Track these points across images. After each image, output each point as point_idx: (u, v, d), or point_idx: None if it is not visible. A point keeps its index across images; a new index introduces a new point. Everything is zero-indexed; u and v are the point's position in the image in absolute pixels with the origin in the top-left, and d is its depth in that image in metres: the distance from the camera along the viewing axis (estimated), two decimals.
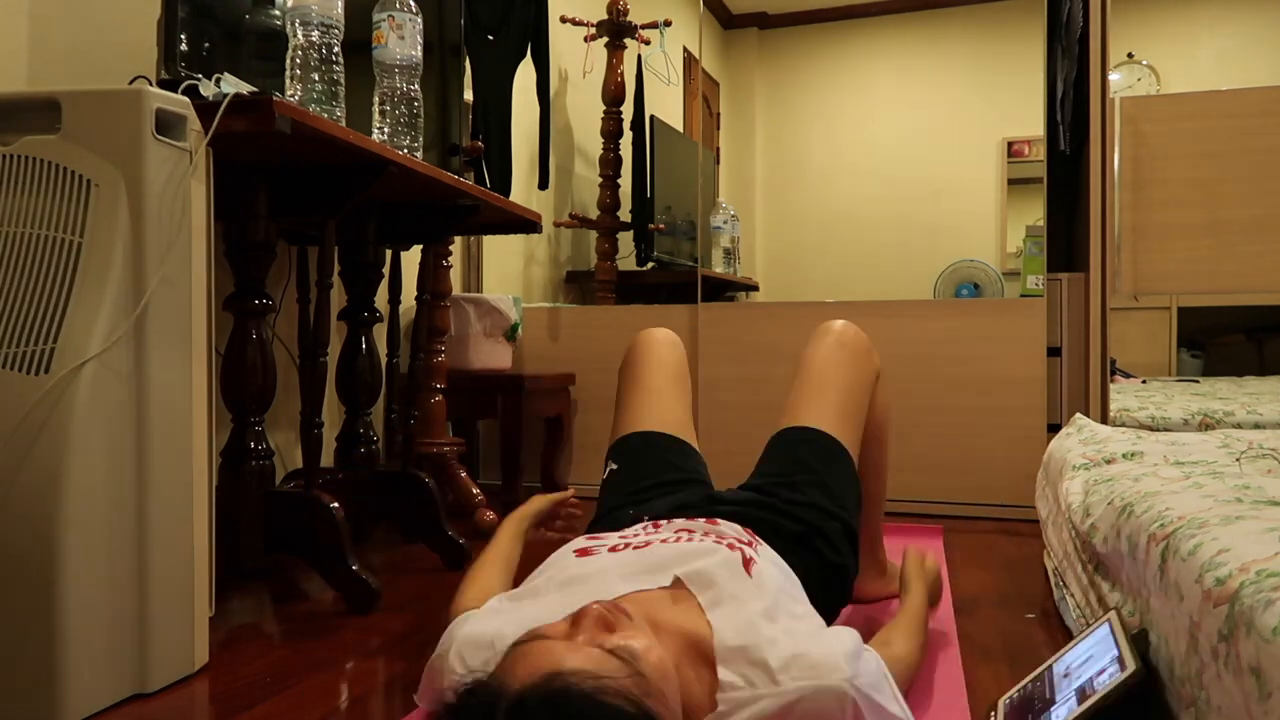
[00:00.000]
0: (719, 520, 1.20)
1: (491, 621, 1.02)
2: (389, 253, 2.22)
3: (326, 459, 2.08)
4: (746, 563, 1.07)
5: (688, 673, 0.90)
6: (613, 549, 1.12)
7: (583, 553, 1.12)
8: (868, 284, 3.97)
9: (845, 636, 0.97)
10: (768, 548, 1.18)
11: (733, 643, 0.92)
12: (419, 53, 1.80)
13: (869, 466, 1.50)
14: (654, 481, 1.40)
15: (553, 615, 0.92)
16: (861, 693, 0.90)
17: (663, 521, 1.23)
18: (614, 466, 1.46)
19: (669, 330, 1.59)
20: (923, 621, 1.29)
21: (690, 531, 1.16)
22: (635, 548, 1.10)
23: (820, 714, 0.88)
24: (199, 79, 1.36)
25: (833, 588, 1.28)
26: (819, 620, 1.06)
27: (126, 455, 1.21)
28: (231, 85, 1.37)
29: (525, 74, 2.97)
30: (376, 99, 1.80)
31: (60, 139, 1.22)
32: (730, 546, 1.10)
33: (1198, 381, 3.37)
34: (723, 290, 3.97)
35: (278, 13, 1.65)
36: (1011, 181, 3.83)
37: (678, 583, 1.02)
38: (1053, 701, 1.02)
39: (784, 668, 0.90)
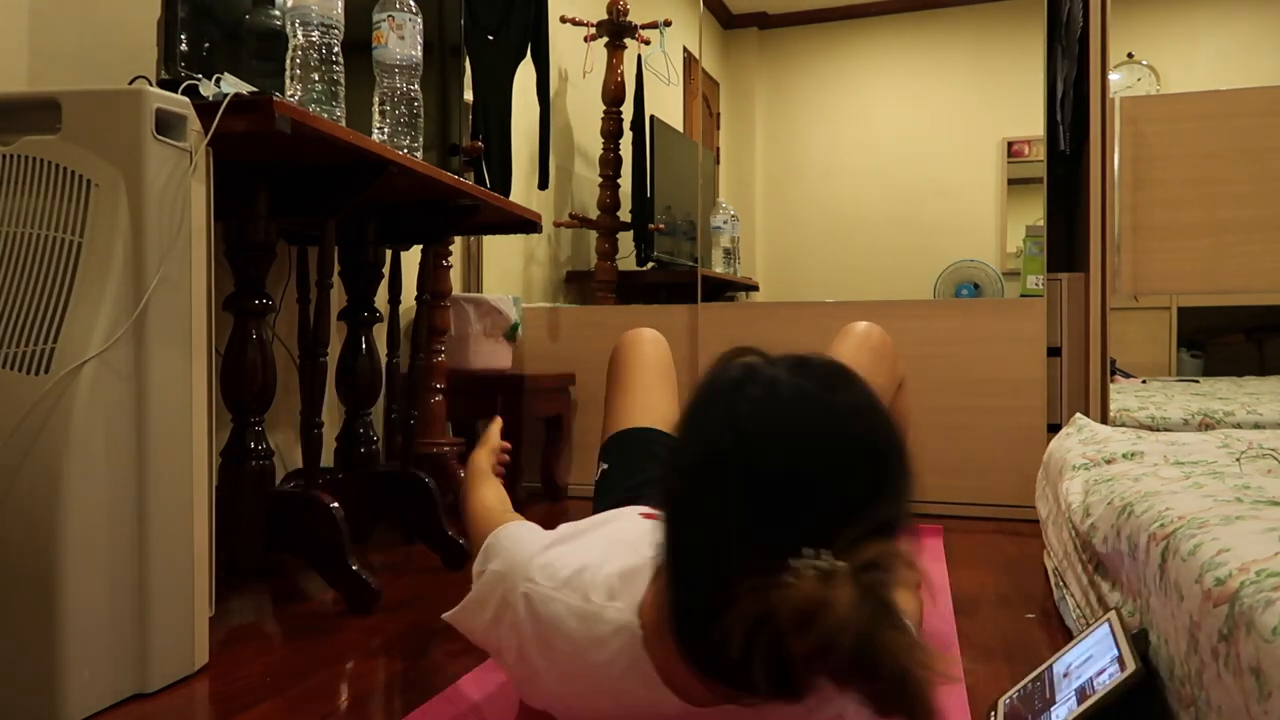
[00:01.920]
0: None
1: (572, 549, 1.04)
2: (389, 253, 2.22)
3: (326, 459, 2.08)
4: None
5: None
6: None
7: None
8: (868, 284, 3.96)
9: None
10: None
11: None
12: (419, 53, 1.80)
13: None
14: (650, 476, 1.37)
15: (599, 551, 1.01)
16: None
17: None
18: (605, 466, 1.44)
19: (653, 330, 1.58)
20: None
21: None
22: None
23: None
24: (199, 79, 1.36)
25: None
26: None
27: (126, 455, 1.21)
28: (231, 85, 1.37)
29: (525, 74, 2.97)
30: (376, 99, 1.80)
31: (60, 139, 1.22)
32: None
33: (1198, 381, 3.37)
34: (723, 290, 3.97)
35: (278, 13, 1.65)
36: (1011, 181, 3.83)
37: None
38: (1053, 701, 1.02)
39: None
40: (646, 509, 1.22)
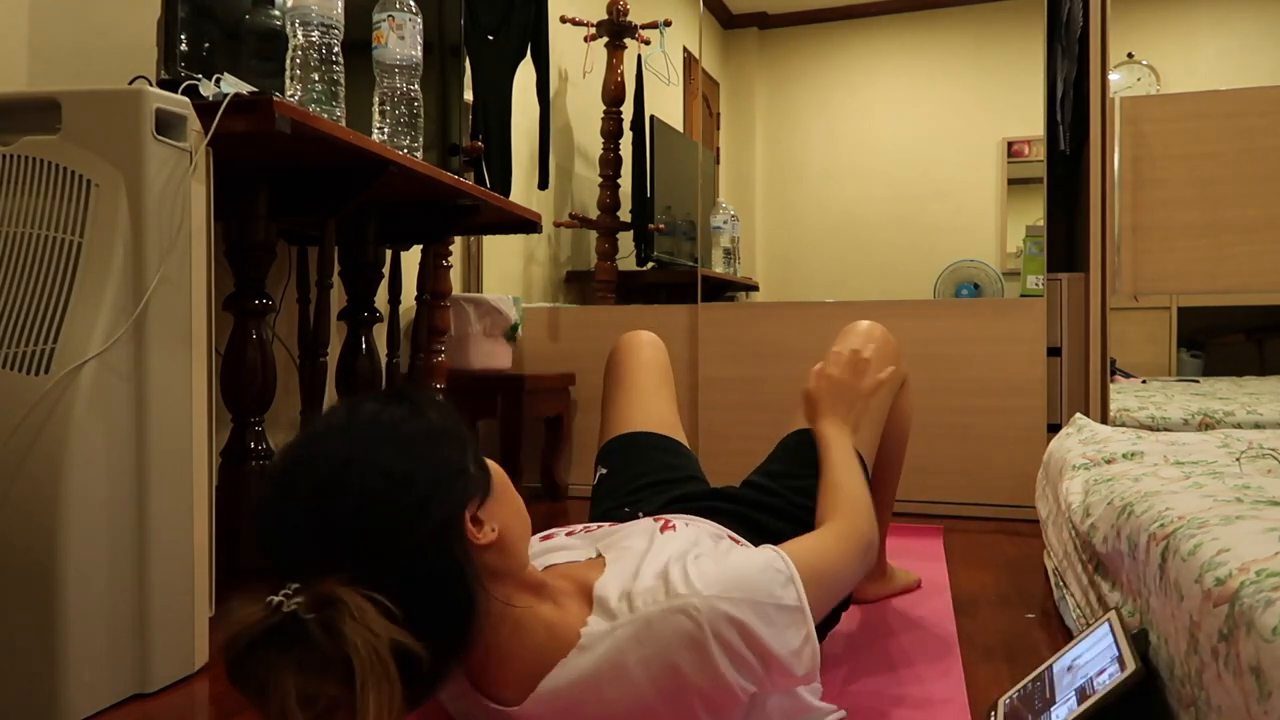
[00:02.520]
0: (705, 519, 1.20)
1: None
2: (389, 253, 2.22)
3: None
4: (664, 526, 1.10)
5: (572, 607, 0.93)
6: (569, 533, 1.19)
7: (546, 537, 1.19)
8: (868, 284, 3.97)
9: (756, 556, 0.96)
10: (744, 541, 1.17)
11: (610, 581, 0.94)
12: (419, 53, 1.80)
13: (883, 473, 1.49)
14: (650, 480, 1.38)
15: None
16: (714, 613, 0.87)
17: (664, 516, 1.22)
18: (604, 470, 1.43)
19: (650, 333, 1.58)
20: (846, 476, 1.24)
21: (673, 523, 1.15)
22: (587, 531, 1.18)
23: (675, 636, 0.87)
24: (199, 79, 1.36)
25: None
26: (749, 550, 1.04)
27: (126, 455, 1.21)
28: (231, 85, 1.37)
29: (525, 74, 2.97)
30: (376, 99, 1.80)
31: (60, 139, 1.22)
32: (666, 525, 1.11)
33: (1198, 381, 3.37)
34: (723, 290, 3.97)
35: (278, 13, 1.65)
36: (1011, 181, 3.83)
37: (599, 554, 1.07)
38: (1053, 701, 1.02)
39: (644, 593, 0.90)
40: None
